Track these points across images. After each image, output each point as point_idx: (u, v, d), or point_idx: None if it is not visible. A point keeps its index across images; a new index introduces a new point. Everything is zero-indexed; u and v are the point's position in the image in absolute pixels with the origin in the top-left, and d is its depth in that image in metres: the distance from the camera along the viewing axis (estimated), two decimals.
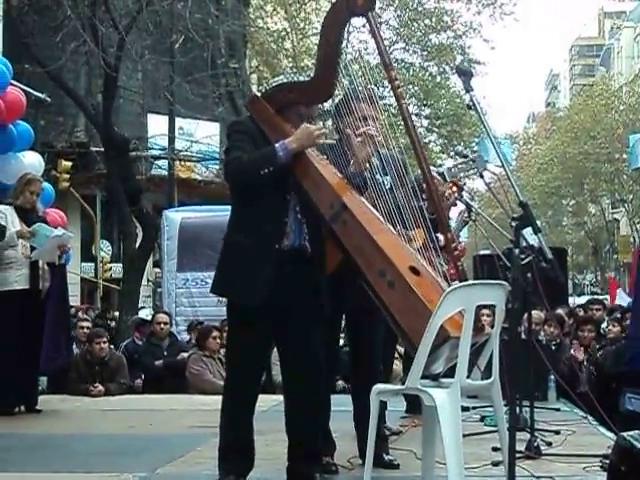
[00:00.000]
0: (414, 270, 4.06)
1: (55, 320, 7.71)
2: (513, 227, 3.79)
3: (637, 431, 3.68)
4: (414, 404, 6.22)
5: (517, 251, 3.68)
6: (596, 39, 78.16)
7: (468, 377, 3.99)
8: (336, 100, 4.60)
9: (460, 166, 5.20)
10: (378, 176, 4.51)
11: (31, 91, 10.39)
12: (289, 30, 22.14)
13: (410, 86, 25.68)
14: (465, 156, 5.42)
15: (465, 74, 3.99)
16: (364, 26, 4.49)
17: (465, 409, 6.43)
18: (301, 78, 4.44)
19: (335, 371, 5.91)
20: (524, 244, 3.94)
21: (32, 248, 7.52)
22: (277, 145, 4.22)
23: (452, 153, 23.30)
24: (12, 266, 7.48)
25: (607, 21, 74.88)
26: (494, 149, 3.96)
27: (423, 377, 3.92)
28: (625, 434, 3.72)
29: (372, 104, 4.53)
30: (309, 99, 4.41)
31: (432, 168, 4.83)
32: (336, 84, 4.31)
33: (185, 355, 10.20)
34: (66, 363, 8.56)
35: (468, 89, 3.93)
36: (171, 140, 20.25)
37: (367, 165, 4.51)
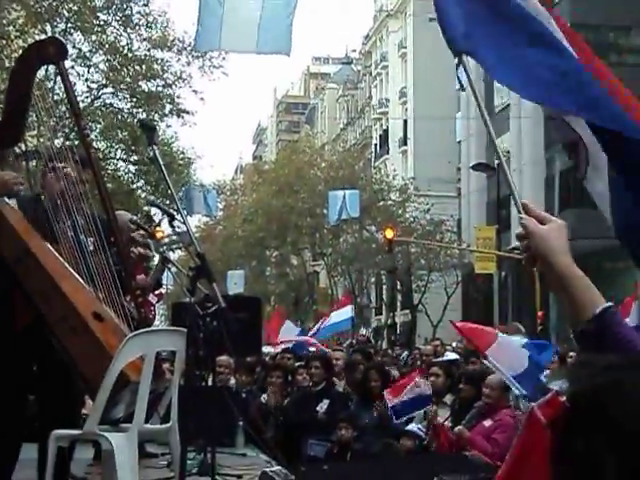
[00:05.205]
0: (97, 316, 4.12)
1: None
2: (189, 277, 3.95)
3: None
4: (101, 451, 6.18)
5: (192, 299, 3.85)
6: (302, 98, 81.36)
7: (147, 422, 4.09)
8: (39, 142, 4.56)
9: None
10: (83, 236, 4.50)
11: None
12: None
13: (118, 131, 25.58)
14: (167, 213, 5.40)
15: (149, 129, 4.15)
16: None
17: (154, 455, 6.50)
18: None
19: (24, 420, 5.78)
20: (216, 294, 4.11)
21: None
22: None
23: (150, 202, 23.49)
24: None
25: (312, 81, 78.34)
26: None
27: (104, 422, 3.97)
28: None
29: (75, 164, 4.50)
30: None
31: (121, 213, 4.93)
32: (24, 129, 4.31)
33: None
34: None
35: (151, 143, 4.08)
36: None
37: (59, 201, 4.47)
